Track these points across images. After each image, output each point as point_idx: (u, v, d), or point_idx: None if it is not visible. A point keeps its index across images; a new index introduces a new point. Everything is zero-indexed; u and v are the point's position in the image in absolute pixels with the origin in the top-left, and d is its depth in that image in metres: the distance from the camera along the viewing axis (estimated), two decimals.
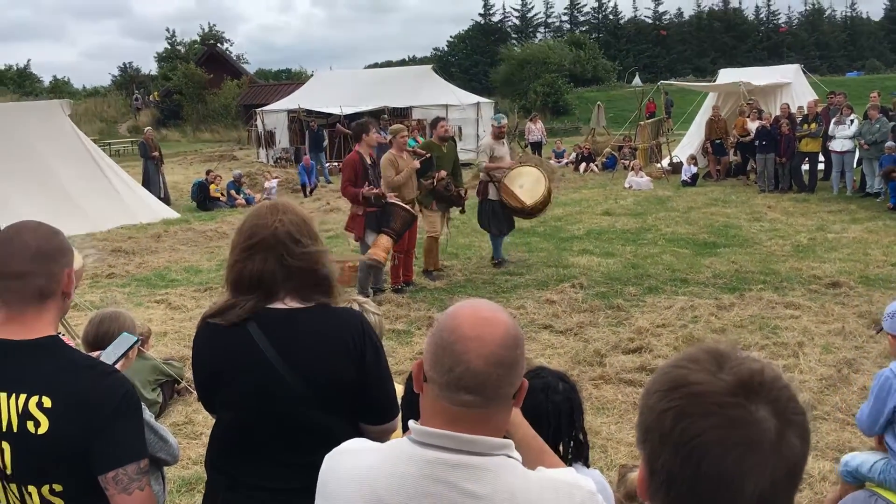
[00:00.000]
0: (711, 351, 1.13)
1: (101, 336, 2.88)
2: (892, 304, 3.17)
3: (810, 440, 1.10)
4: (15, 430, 1.85)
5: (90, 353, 2.32)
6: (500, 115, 11.08)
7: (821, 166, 16.20)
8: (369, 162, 8.35)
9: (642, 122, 21.48)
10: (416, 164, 8.79)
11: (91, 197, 14.02)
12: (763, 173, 16.10)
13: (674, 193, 16.29)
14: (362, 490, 1.48)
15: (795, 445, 1.05)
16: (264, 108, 26.85)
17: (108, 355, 2.27)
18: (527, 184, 9.53)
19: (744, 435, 1.03)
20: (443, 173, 9.10)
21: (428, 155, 9.15)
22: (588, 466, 2.18)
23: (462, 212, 9.90)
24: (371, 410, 2.29)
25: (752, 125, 16.86)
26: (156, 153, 18.04)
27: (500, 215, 9.63)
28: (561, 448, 2.09)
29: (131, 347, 2.32)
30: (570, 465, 2.07)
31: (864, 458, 3.30)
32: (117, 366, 2.26)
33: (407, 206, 8.41)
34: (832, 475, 4.34)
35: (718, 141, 18.08)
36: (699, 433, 1.04)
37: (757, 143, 16.18)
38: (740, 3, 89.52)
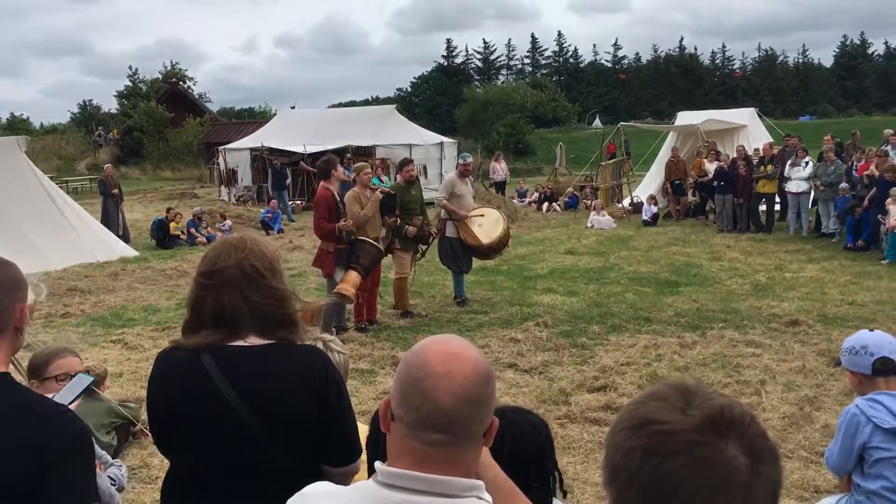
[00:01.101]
0: (678, 387, 1.09)
1: (33, 369, 2.77)
2: (847, 339, 3.17)
3: (782, 477, 1.06)
4: None
5: (45, 395, 2.23)
6: (466, 153, 11.16)
7: (777, 207, 16.56)
8: (338, 198, 8.33)
9: (603, 163, 21.81)
10: (379, 195, 8.78)
11: (46, 235, 13.70)
12: (722, 213, 16.40)
13: (635, 233, 16.49)
14: None
15: (767, 482, 1.02)
16: (227, 146, 26.72)
17: (62, 396, 2.17)
18: (486, 223, 9.63)
19: (714, 474, 0.99)
20: (418, 220, 9.21)
21: (390, 191, 9.16)
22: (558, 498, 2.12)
23: (421, 255, 9.82)
24: (333, 452, 2.22)
25: (710, 166, 17.22)
26: (115, 190, 17.78)
27: (459, 253, 9.66)
28: (537, 485, 2.03)
29: (86, 388, 2.23)
30: (550, 500, 2.01)
31: (827, 501, 3.30)
32: (73, 405, 2.16)
33: (375, 243, 8.40)
34: None
35: (678, 182, 18.41)
36: (668, 473, 1.00)
37: (715, 183, 16.51)
38: (696, 49, 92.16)
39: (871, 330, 3.23)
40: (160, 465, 5.20)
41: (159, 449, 2.32)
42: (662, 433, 1.02)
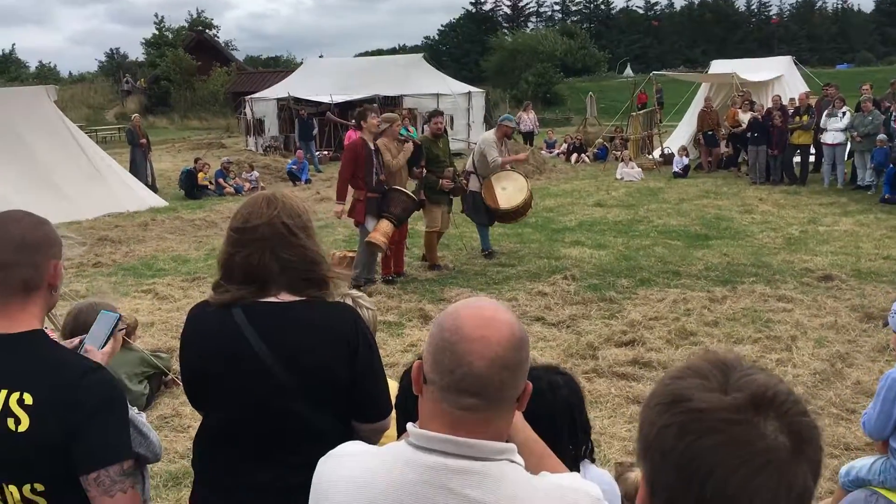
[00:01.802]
0: (716, 362, 1.05)
1: (78, 328, 2.79)
2: None
3: (823, 457, 1.02)
4: None
5: (73, 338, 2.24)
6: (510, 115, 11.13)
7: (812, 158, 16.22)
8: (372, 147, 8.32)
9: (634, 113, 21.45)
10: (411, 146, 8.77)
11: (77, 184, 13.85)
12: (755, 165, 16.10)
13: (665, 185, 16.27)
14: (359, 496, 1.42)
15: (807, 464, 0.98)
16: (253, 95, 26.63)
17: (93, 339, 2.17)
18: (510, 188, 9.54)
19: (751, 454, 0.96)
20: (449, 172, 9.16)
21: (417, 142, 9.12)
22: (594, 462, 2.11)
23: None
24: (363, 408, 2.22)
25: (744, 116, 16.84)
26: (143, 140, 17.87)
27: (480, 207, 9.61)
28: (574, 443, 2.02)
29: (116, 325, 2.22)
30: (579, 464, 2.00)
31: (861, 463, 3.26)
32: (107, 347, 2.17)
33: (409, 192, 8.42)
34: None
35: (710, 132, 18.06)
36: (703, 452, 0.97)
37: (749, 134, 16.17)
38: None
39: None
40: (192, 414, 5.29)
41: (192, 404, 2.34)
42: (698, 410, 0.99)
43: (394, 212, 8.23)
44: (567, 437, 2.00)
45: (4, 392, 1.79)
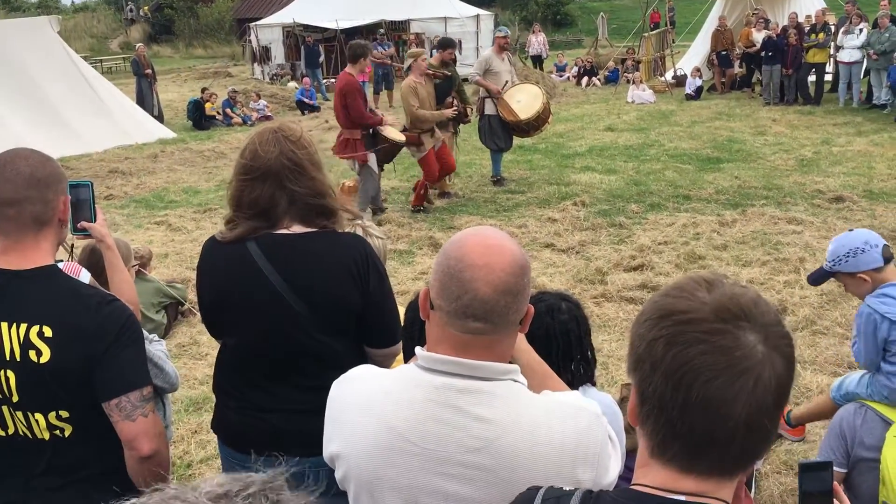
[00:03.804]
0: (699, 279, 1.15)
1: (93, 264, 2.86)
2: (837, 247, 3.13)
3: (795, 362, 1.13)
4: (18, 359, 1.85)
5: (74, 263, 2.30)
6: (503, 26, 10.78)
7: (828, 77, 15.89)
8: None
9: (646, 34, 20.97)
10: (450, 112, 8.52)
11: (84, 117, 13.78)
12: (768, 85, 15.81)
13: (677, 107, 16.04)
14: (372, 415, 1.49)
15: (781, 368, 1.08)
16: (258, 22, 26.14)
17: (81, 215, 2.23)
18: (524, 99, 9.39)
19: (731, 360, 1.05)
20: (448, 101, 8.84)
21: (447, 73, 8.79)
22: (595, 386, 2.18)
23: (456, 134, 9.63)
24: (375, 334, 2.30)
25: (759, 35, 16.43)
26: (149, 70, 17.66)
27: (497, 131, 9.47)
28: (573, 367, 2.08)
29: (92, 191, 2.27)
30: (578, 386, 2.07)
31: (850, 378, 3.39)
32: (99, 215, 2.24)
33: (393, 138, 8.07)
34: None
35: (724, 52, 17.66)
36: (689, 360, 1.06)
37: (763, 54, 15.81)
38: None
39: (850, 230, 3.27)
40: (209, 342, 5.42)
41: (209, 332, 2.42)
42: (683, 322, 1.08)
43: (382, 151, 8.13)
44: (564, 361, 2.07)
45: (25, 325, 1.85)
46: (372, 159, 8.07)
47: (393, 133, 8.11)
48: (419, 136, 8.33)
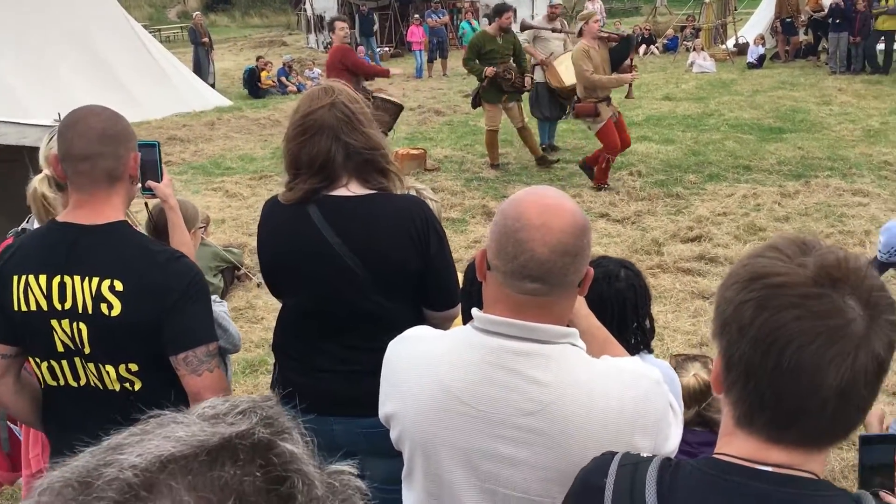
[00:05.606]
0: (793, 240, 1.08)
1: (160, 227, 2.91)
2: (892, 233, 2.98)
3: None
4: (90, 311, 1.89)
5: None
6: None
7: None
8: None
9: (707, 1, 20.36)
10: (629, 76, 7.92)
11: (144, 84, 14.01)
12: (835, 53, 15.23)
13: (739, 76, 15.58)
14: (427, 376, 1.49)
15: (884, 336, 1.01)
16: None
17: (150, 175, 2.26)
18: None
19: (827, 325, 0.99)
20: (500, 67, 8.44)
21: (625, 35, 8.39)
22: (652, 353, 2.14)
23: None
24: (435, 297, 2.30)
25: (826, 1, 15.82)
26: (205, 39, 17.87)
27: (545, 98, 9.29)
28: (627, 336, 2.05)
29: (159, 152, 2.30)
30: (636, 353, 2.04)
31: None
32: (165, 177, 2.27)
33: (393, 99, 8.20)
34: None
35: (789, 19, 17.06)
36: (780, 325, 1.00)
37: (830, 21, 15.23)
38: None
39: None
40: (264, 306, 5.51)
41: (271, 292, 2.45)
42: (776, 286, 1.02)
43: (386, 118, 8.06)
44: (619, 329, 2.03)
45: (97, 279, 1.89)
46: None
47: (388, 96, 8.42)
48: (595, 105, 7.63)
